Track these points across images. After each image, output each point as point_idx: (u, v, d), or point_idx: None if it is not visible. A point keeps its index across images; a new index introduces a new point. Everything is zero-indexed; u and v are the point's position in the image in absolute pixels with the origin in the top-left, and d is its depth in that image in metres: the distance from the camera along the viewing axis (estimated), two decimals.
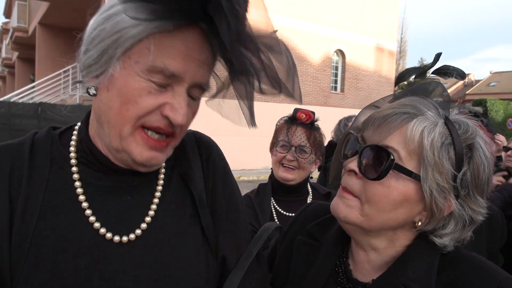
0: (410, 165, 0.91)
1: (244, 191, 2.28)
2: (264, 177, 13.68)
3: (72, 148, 0.96)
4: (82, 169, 0.94)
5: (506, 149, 3.80)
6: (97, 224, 0.90)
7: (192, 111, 0.94)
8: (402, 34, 33.60)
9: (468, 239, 0.98)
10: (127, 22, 0.81)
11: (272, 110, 17.52)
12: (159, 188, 1.00)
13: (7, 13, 33.76)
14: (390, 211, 0.93)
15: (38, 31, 21.09)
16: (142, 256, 0.92)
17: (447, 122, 0.93)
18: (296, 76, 0.93)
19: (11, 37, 27.90)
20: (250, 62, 0.85)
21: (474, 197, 0.93)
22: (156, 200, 0.98)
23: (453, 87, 53.36)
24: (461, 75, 1.05)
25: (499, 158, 3.85)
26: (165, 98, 0.86)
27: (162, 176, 1.02)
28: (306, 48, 18.83)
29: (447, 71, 1.05)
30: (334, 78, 20.68)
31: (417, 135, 0.90)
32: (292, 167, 2.07)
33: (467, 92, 49.86)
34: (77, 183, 0.92)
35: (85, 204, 0.91)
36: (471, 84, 53.49)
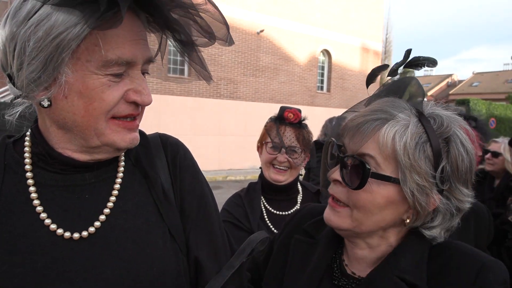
0: (388, 170, 0.93)
1: (231, 191, 2.29)
2: (251, 177, 13.69)
3: (26, 154, 0.96)
4: (37, 172, 0.94)
5: (485, 152, 3.78)
6: (48, 221, 0.90)
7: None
8: (387, 34, 33.92)
9: (456, 226, 1.00)
10: (63, 24, 0.78)
11: (259, 110, 17.55)
12: (117, 186, 1.00)
13: None
14: (377, 213, 0.96)
15: None
16: (102, 254, 0.92)
17: (422, 119, 0.94)
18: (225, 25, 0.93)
19: None
20: (173, 20, 0.87)
21: (458, 188, 0.95)
22: (112, 198, 0.98)
23: (436, 87, 54.16)
24: (432, 62, 1.05)
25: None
26: (125, 86, 0.89)
27: (120, 174, 1.02)
28: (292, 48, 18.90)
29: (418, 62, 1.05)
30: (320, 78, 20.80)
31: (389, 140, 0.91)
32: (283, 168, 2.06)
33: (450, 92, 50.65)
34: (31, 183, 0.93)
35: (36, 202, 0.91)
36: (454, 84, 54.37)
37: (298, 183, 2.22)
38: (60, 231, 0.90)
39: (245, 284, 1.14)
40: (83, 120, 0.87)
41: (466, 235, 1.97)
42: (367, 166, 0.93)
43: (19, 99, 0.91)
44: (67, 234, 0.91)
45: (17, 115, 0.96)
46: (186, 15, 0.88)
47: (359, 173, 0.94)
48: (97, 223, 0.94)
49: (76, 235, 0.91)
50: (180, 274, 1.00)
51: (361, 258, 1.07)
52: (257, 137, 2.21)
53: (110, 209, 0.96)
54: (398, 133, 0.91)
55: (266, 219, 2.08)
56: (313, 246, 1.16)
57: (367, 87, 1.12)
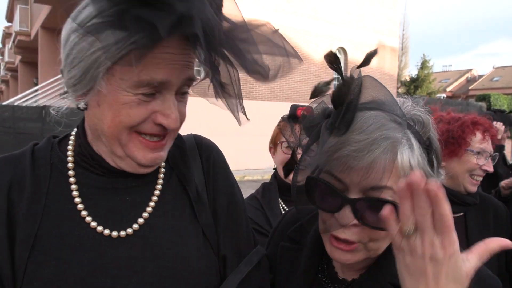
0: None
1: (249, 190, 2.28)
2: (268, 176, 13.39)
3: (69, 153, 1.00)
4: (81, 172, 0.98)
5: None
6: (93, 223, 0.94)
7: (184, 104, 0.97)
8: (403, 30, 33.51)
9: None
10: (104, 41, 0.79)
11: (275, 109, 17.52)
12: (158, 187, 1.03)
13: (9, 17, 33.90)
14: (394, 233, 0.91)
15: (40, 34, 21.16)
16: (143, 252, 0.96)
17: (409, 128, 0.91)
18: (286, 43, 0.93)
19: (13, 41, 28.02)
20: (228, 60, 0.87)
21: (440, 173, 0.97)
22: (154, 198, 1.01)
23: (455, 83, 53.19)
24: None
25: (499, 148, 3.61)
26: (155, 106, 0.89)
27: (161, 176, 1.05)
28: (308, 47, 18.81)
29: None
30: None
31: (407, 167, 0.88)
32: None
33: (470, 88, 49.68)
34: (73, 186, 0.96)
35: (80, 206, 0.95)
36: (474, 80, 53.29)
37: None
38: (101, 228, 0.94)
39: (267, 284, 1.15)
40: (109, 130, 0.90)
41: (486, 232, 1.95)
42: (397, 205, 0.77)
43: (65, 95, 0.96)
44: (108, 231, 0.94)
45: (61, 111, 1.03)
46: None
47: (380, 210, 0.81)
48: (135, 225, 0.97)
49: (116, 233, 0.95)
50: (213, 273, 1.03)
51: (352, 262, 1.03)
52: None
53: (152, 208, 1.00)
54: (410, 157, 0.88)
55: None
56: (299, 251, 1.14)
57: (310, 98, 1.11)
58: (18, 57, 30.88)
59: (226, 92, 0.92)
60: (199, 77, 0.95)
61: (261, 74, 0.91)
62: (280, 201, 2.09)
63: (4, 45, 40.18)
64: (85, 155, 0.99)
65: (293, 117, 2.07)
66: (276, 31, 0.92)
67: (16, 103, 15.31)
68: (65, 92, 0.95)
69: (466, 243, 1.89)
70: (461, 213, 2.01)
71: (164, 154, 0.97)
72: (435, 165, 0.95)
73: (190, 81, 0.93)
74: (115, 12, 0.75)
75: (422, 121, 0.94)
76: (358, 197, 0.89)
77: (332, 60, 1.03)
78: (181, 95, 0.95)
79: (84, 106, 0.92)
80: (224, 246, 1.08)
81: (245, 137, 16.12)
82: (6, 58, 36.56)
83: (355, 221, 0.89)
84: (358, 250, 0.94)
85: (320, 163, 0.91)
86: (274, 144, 2.14)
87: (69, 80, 0.89)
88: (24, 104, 15.03)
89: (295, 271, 1.11)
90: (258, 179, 14.46)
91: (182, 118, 0.96)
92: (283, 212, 2.05)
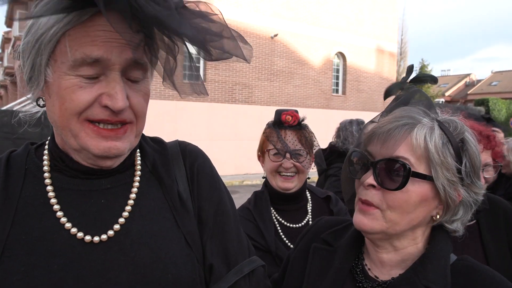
0: (421, 169, 1.01)
1: (248, 195, 2.23)
2: None
3: (45, 157, 0.99)
4: (56, 176, 0.97)
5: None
6: (68, 225, 0.92)
7: (141, 93, 0.93)
8: (402, 35, 33.59)
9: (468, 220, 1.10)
10: (42, 28, 0.84)
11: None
12: (134, 189, 1.01)
13: (9, 22, 33.95)
14: (412, 212, 1.02)
15: None
16: (118, 258, 0.93)
17: (440, 124, 1.04)
18: (234, 39, 0.89)
19: (13, 46, 28.02)
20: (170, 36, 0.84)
21: (475, 182, 1.05)
22: (130, 202, 0.99)
23: (454, 87, 53.31)
24: (434, 80, 1.20)
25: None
26: (99, 89, 0.87)
27: (137, 178, 1.03)
28: (306, 52, 18.87)
29: (422, 79, 1.19)
30: (335, 80, 20.69)
31: (422, 141, 1.00)
32: (291, 174, 1.96)
33: (468, 92, 49.78)
34: (49, 188, 0.95)
35: (56, 207, 0.93)
36: (472, 84, 53.41)
37: (306, 189, 2.12)
38: (80, 234, 0.92)
39: None
40: (59, 120, 0.89)
41: (499, 235, 1.95)
42: (408, 165, 0.99)
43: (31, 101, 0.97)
44: (88, 237, 0.92)
45: (34, 116, 1.03)
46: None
47: (396, 175, 1.00)
48: (116, 226, 0.95)
49: (96, 238, 0.93)
50: (196, 282, 0.99)
51: (385, 262, 1.09)
52: None
53: (128, 212, 0.98)
54: (428, 134, 1.01)
55: (281, 233, 1.96)
56: (333, 253, 1.19)
57: (384, 99, 1.22)
58: (18, 62, 30.83)
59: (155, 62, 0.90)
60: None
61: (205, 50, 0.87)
62: (272, 210, 2.02)
63: (3, 50, 40.19)
64: (56, 158, 0.98)
65: (278, 123, 2.00)
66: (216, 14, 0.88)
67: (15, 108, 15.31)
68: (28, 98, 0.97)
69: (482, 251, 1.89)
70: (474, 221, 1.99)
71: (121, 145, 0.92)
72: (468, 167, 1.02)
73: (137, 64, 0.89)
74: None
75: (457, 125, 1.05)
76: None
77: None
78: (133, 82, 0.91)
79: (43, 102, 0.93)
80: (211, 255, 1.04)
81: (244, 142, 16.12)
82: (5, 63, 36.55)
83: (374, 182, 1.03)
84: (377, 217, 1.03)
85: (360, 140, 1.15)
86: (262, 152, 2.07)
87: (24, 76, 0.91)
88: (23, 109, 14.99)
89: (328, 270, 1.16)
90: (258, 183, 14.44)
91: (139, 108, 0.92)
92: (276, 223, 1.98)
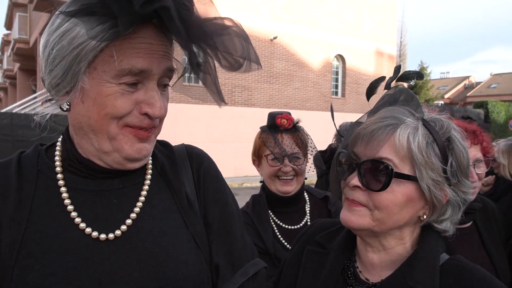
0: (405, 169, 1.01)
1: (248, 197, 2.23)
2: None
3: (57, 158, 1.01)
4: (68, 176, 1.00)
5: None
6: (82, 225, 0.95)
7: (166, 98, 1.00)
8: (401, 37, 33.67)
9: (459, 218, 1.09)
10: (83, 36, 0.85)
11: None
12: (144, 192, 1.04)
13: (8, 25, 33.98)
14: (398, 212, 1.02)
15: (39, 42, 21.20)
16: (130, 256, 0.96)
17: (425, 123, 1.04)
18: (251, 48, 0.95)
19: (12, 49, 28.05)
20: (203, 48, 0.90)
21: (463, 181, 1.04)
22: (139, 203, 1.02)
23: (453, 89, 53.38)
24: (419, 76, 1.17)
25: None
26: (139, 97, 0.92)
27: (148, 177, 1.07)
28: (306, 54, 18.89)
29: (408, 76, 1.18)
30: (334, 83, 20.71)
31: (404, 142, 1.00)
32: (290, 178, 1.96)
33: (468, 95, 49.86)
34: (63, 189, 0.97)
35: (70, 207, 0.96)
36: (471, 87, 53.50)
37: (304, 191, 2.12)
38: (94, 233, 0.95)
39: None
40: (97, 124, 0.92)
41: (494, 235, 1.95)
42: (390, 166, 0.99)
43: (48, 102, 0.99)
44: (102, 236, 0.95)
45: (46, 117, 1.04)
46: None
47: (380, 175, 1.01)
48: (123, 227, 0.97)
49: (103, 236, 0.95)
50: (204, 281, 1.02)
51: (375, 263, 1.10)
52: None
53: (137, 213, 1.00)
54: (411, 134, 1.00)
55: (279, 235, 1.97)
56: (325, 255, 1.20)
57: (368, 99, 1.22)
58: (17, 65, 30.90)
59: (203, 71, 0.94)
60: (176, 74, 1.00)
61: (232, 65, 0.93)
62: (271, 213, 2.02)
63: (3, 53, 40.23)
64: (72, 159, 1.00)
65: (273, 126, 1.98)
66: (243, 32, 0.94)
67: (14, 111, 15.31)
68: (48, 100, 0.98)
69: (485, 252, 1.89)
70: (470, 223, 1.99)
71: (149, 147, 0.99)
72: (454, 166, 1.02)
73: (170, 72, 0.96)
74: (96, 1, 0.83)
75: (443, 124, 1.05)
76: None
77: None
78: (163, 87, 0.98)
79: (67, 106, 0.94)
80: (216, 255, 1.07)
81: (243, 144, 16.11)
82: (5, 66, 36.57)
83: (358, 183, 1.04)
84: (364, 214, 1.04)
85: (346, 141, 1.15)
86: (258, 157, 2.05)
87: (51, 81, 0.91)
88: (22, 112, 15.03)
89: (321, 271, 1.17)
90: (257, 186, 14.41)
91: (164, 113, 0.98)
92: (274, 226, 1.99)
